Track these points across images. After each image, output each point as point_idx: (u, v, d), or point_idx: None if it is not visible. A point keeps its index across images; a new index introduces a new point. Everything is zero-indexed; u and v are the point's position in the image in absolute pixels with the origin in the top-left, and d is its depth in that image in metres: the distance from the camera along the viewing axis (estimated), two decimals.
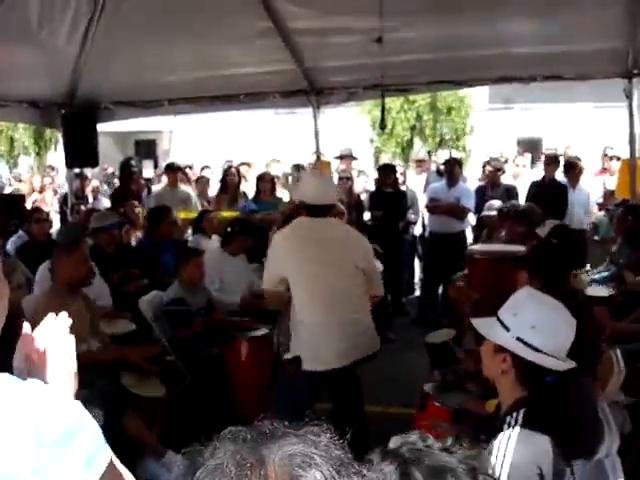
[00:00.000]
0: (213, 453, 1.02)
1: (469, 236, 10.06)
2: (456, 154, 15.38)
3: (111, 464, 1.31)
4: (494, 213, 8.64)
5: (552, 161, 9.80)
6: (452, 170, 9.54)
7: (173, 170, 10.01)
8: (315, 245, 4.86)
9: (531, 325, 2.56)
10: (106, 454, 1.29)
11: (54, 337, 1.57)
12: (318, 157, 9.58)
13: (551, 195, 8.89)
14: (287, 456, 0.99)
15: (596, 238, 9.01)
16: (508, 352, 2.59)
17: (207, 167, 13.45)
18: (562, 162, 11.17)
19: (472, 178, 12.43)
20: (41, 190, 12.37)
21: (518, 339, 2.57)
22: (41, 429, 1.20)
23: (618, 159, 10.24)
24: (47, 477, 1.17)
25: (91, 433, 1.28)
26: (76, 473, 1.20)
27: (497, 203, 8.82)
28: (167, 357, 5.91)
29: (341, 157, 12.16)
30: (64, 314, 1.63)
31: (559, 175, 9.98)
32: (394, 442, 1.37)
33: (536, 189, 9.36)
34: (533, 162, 13.39)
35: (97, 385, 4.53)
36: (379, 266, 8.45)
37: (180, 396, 5.61)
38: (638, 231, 5.66)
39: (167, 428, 5.20)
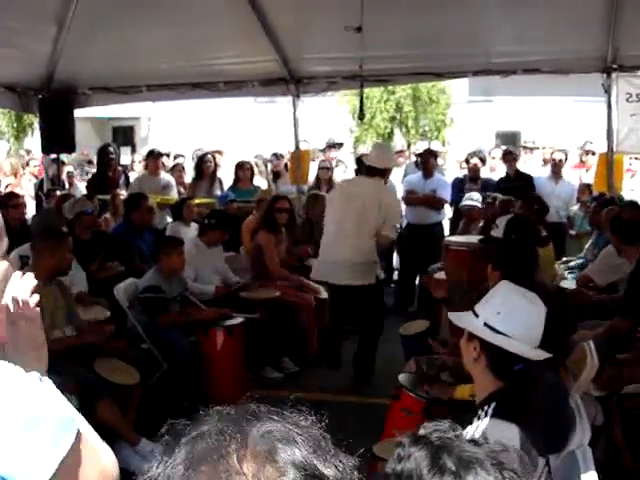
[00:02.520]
0: (197, 426, 1.04)
1: (446, 227, 10.08)
2: (436, 146, 15.38)
3: (79, 440, 1.36)
4: (473, 203, 8.68)
5: (508, 154, 9.89)
6: (427, 162, 9.55)
7: (154, 157, 9.95)
8: (346, 197, 6.72)
9: (497, 311, 2.61)
10: (72, 432, 1.34)
11: (27, 309, 1.66)
12: (297, 145, 9.56)
13: (518, 187, 8.91)
14: (268, 431, 1.00)
15: (572, 232, 9.07)
16: (477, 339, 2.62)
17: (181, 156, 13.32)
18: (545, 156, 11.25)
19: (450, 170, 12.44)
20: (15, 174, 12.20)
21: (485, 324, 2.61)
22: (9, 415, 1.27)
23: (593, 154, 10.32)
24: (13, 459, 1.25)
25: (57, 414, 1.34)
26: (43, 452, 1.28)
27: (476, 195, 8.85)
28: (142, 345, 5.89)
29: (328, 147, 12.15)
30: (29, 280, 1.69)
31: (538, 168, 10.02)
32: (425, 428, 1.38)
33: (504, 185, 9.39)
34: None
35: (71, 372, 4.50)
36: None
37: (155, 384, 5.60)
38: (621, 219, 5.69)
39: (141, 416, 5.18)
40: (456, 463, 1.27)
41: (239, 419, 1.03)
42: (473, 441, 1.33)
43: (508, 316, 2.58)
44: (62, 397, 1.43)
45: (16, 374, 1.39)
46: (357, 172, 9.89)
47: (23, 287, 1.68)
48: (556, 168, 9.60)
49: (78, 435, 1.37)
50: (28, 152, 15.74)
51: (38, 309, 1.70)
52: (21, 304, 1.65)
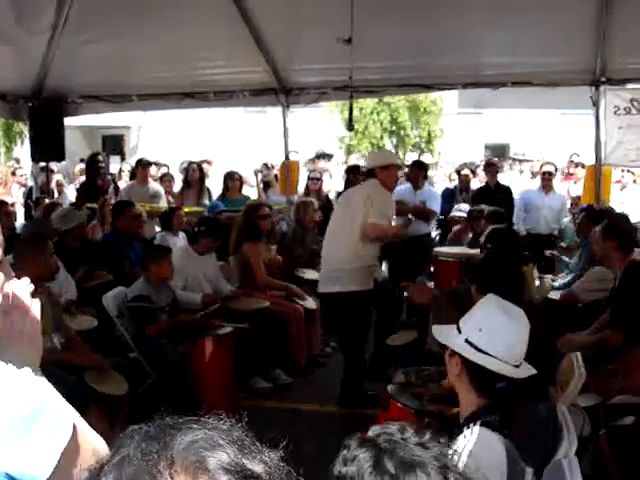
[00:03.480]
0: (117, 450, 1.04)
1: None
2: (428, 158, 15.43)
3: (76, 433, 1.37)
4: (461, 214, 8.71)
5: (490, 166, 9.94)
6: (416, 173, 9.57)
7: (143, 166, 9.94)
8: (341, 204, 6.93)
9: (479, 327, 2.57)
10: (68, 425, 1.36)
11: (20, 301, 1.66)
12: (287, 156, 9.57)
13: (496, 199, 8.93)
14: (191, 441, 1.01)
15: (562, 245, 9.11)
16: (460, 355, 2.59)
17: (164, 165, 13.26)
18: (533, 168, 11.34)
19: (441, 182, 12.49)
20: (5, 183, 12.19)
21: (466, 341, 2.58)
22: (6, 412, 1.29)
23: (583, 166, 10.40)
24: (15, 456, 1.27)
25: (52, 408, 1.36)
26: (43, 446, 1.30)
27: (465, 206, 8.89)
28: (131, 354, 5.87)
29: (317, 157, 12.17)
30: (26, 279, 1.71)
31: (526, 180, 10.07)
32: (373, 431, 1.39)
33: (482, 196, 9.41)
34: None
35: (60, 381, 4.47)
36: None
37: (144, 394, 5.58)
38: (614, 224, 5.69)
39: (130, 425, 5.15)
40: (397, 466, 1.28)
41: (160, 435, 1.03)
42: (421, 444, 1.34)
43: (490, 333, 2.54)
44: (55, 391, 1.45)
45: (9, 371, 1.40)
46: (347, 183, 9.90)
47: (20, 282, 1.70)
48: (546, 181, 9.66)
49: (74, 428, 1.37)
50: (17, 161, 15.71)
51: (37, 302, 1.72)
52: (12, 295, 1.67)
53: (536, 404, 2.82)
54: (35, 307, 1.74)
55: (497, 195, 9.25)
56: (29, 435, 1.29)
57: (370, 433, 1.40)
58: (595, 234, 5.64)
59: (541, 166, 10.17)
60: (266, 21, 7.56)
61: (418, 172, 9.58)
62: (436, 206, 9.50)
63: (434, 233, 10.23)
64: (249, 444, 1.05)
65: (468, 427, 2.47)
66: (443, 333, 2.73)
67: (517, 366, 2.56)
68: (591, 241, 6.77)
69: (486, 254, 5.24)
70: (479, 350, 2.53)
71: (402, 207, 9.43)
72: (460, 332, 2.62)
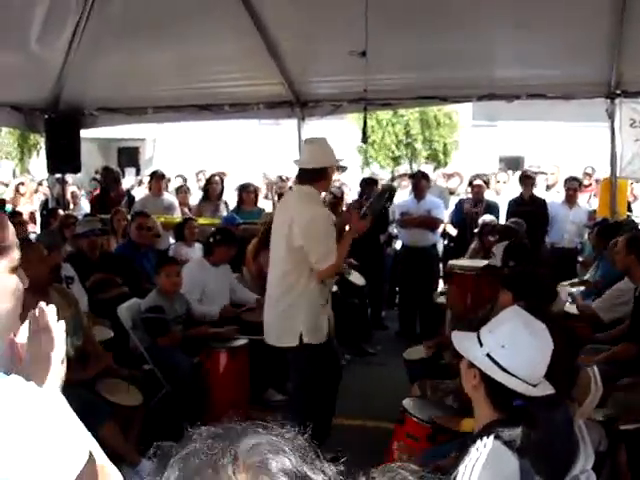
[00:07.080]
0: (185, 444, 1.07)
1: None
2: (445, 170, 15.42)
3: (91, 460, 1.38)
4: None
5: (527, 178, 9.91)
6: (419, 184, 9.54)
7: (157, 178, 9.98)
8: (275, 222, 5.17)
9: (501, 344, 2.53)
10: (85, 450, 1.36)
11: (45, 326, 1.66)
12: None
13: (530, 212, 8.91)
14: (256, 444, 1.03)
15: (580, 259, 9.06)
16: (479, 368, 2.57)
17: (180, 176, 13.35)
18: (548, 181, 11.33)
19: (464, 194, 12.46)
20: (29, 194, 12.32)
21: (487, 356, 2.54)
22: (26, 431, 1.28)
23: (593, 183, 10.47)
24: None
25: (71, 432, 1.36)
26: (57, 470, 1.28)
27: (489, 218, 8.78)
28: (145, 366, 5.87)
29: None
30: (51, 306, 1.73)
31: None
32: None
33: (515, 207, 9.41)
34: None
35: (73, 392, 4.47)
36: (360, 280, 8.45)
37: (157, 405, 5.58)
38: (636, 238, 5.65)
39: (144, 437, 5.16)
40: None
41: (227, 435, 1.06)
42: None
43: (512, 351, 2.51)
44: (74, 415, 1.45)
45: (34, 390, 1.41)
46: (361, 195, 9.88)
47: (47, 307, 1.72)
48: (571, 196, 9.64)
49: (91, 454, 1.38)
50: (29, 172, 15.88)
51: (63, 328, 1.74)
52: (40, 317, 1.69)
53: (554, 415, 2.78)
54: (59, 332, 1.76)
55: (531, 207, 9.21)
56: (45, 456, 1.27)
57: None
58: (617, 247, 5.62)
59: (565, 181, 10.11)
60: (281, 34, 7.59)
61: (420, 181, 9.55)
62: (440, 214, 9.49)
63: (440, 245, 10.23)
64: (311, 454, 1.07)
65: (482, 439, 2.45)
66: (463, 343, 2.68)
67: (535, 385, 2.52)
68: (607, 255, 6.74)
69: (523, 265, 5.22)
70: (500, 367, 2.50)
71: (407, 218, 9.43)
72: (481, 345, 2.59)
